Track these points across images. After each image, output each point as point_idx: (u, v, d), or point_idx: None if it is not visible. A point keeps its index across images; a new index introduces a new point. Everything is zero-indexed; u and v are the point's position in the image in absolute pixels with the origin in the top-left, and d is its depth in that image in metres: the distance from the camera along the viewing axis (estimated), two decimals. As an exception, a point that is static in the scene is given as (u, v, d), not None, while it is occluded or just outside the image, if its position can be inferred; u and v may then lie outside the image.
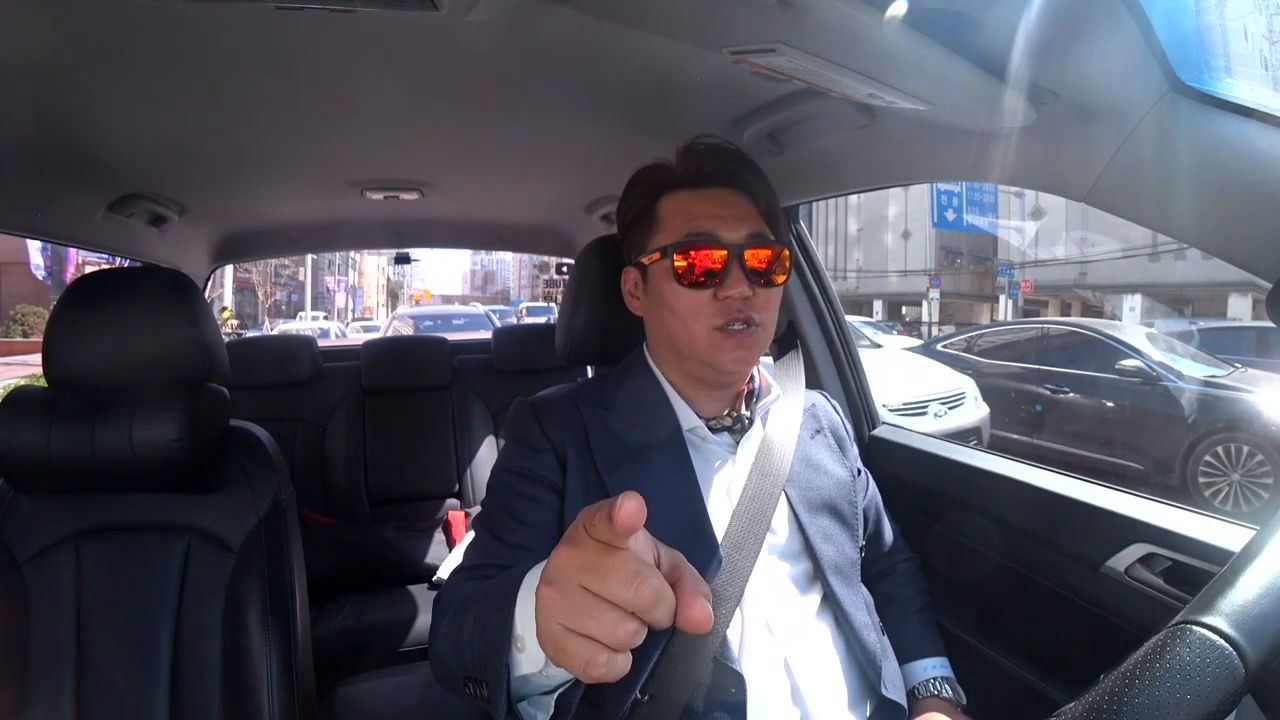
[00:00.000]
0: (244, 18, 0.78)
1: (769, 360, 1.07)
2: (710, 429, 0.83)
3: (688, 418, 0.83)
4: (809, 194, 1.30)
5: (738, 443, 0.84)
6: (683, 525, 0.77)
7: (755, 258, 0.79)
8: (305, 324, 21.05)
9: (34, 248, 12.19)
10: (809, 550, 0.81)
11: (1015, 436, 5.87)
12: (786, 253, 0.82)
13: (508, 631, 0.51)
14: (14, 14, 0.74)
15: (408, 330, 8.67)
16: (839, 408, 0.98)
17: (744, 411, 0.85)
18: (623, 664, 0.40)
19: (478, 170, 1.60)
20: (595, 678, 0.40)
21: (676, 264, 0.79)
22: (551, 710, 0.57)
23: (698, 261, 0.78)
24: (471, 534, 0.83)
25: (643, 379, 0.86)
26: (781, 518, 0.81)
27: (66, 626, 0.95)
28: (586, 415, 0.83)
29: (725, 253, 0.78)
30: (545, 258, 7.01)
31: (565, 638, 0.41)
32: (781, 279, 0.82)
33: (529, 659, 0.51)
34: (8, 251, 13.85)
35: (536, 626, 0.44)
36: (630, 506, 0.37)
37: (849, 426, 0.98)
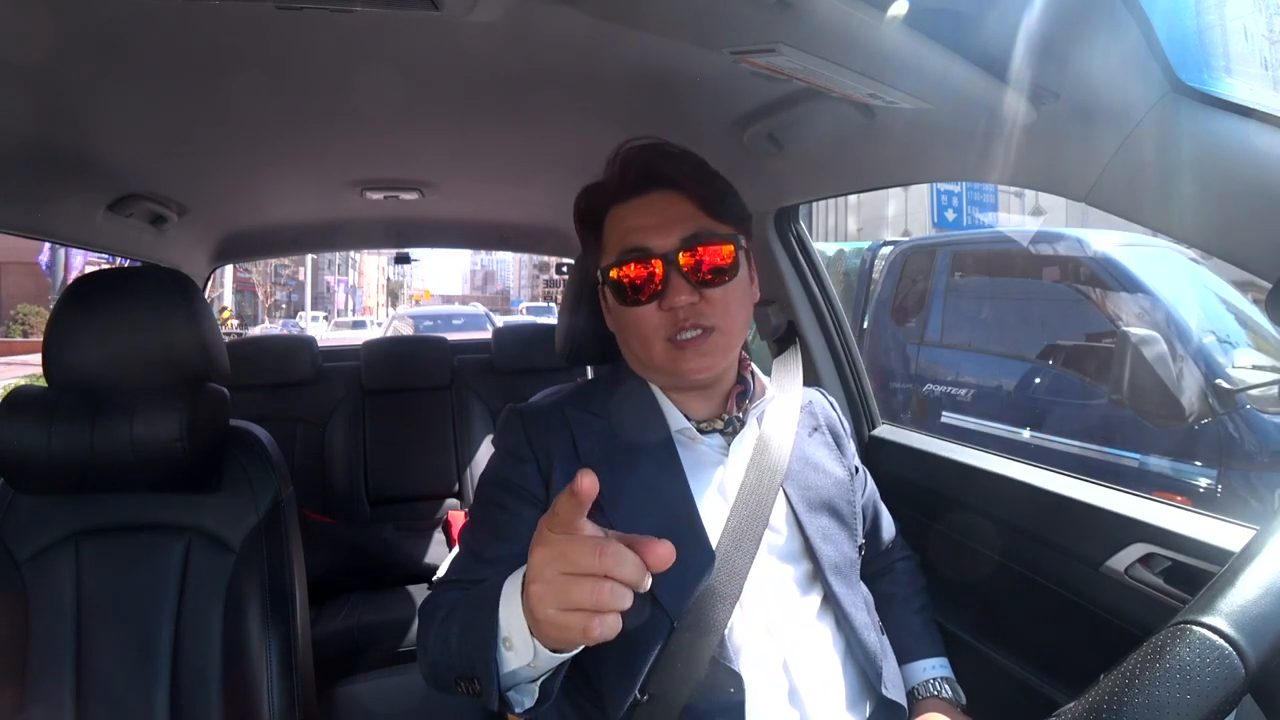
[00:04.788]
0: (244, 18, 0.78)
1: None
2: (701, 431, 0.82)
3: (676, 419, 0.82)
4: (809, 194, 1.30)
5: (729, 444, 0.83)
6: (674, 525, 0.76)
7: (694, 260, 0.77)
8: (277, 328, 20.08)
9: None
10: (809, 550, 0.81)
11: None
12: (730, 247, 0.78)
13: (493, 634, 0.58)
14: (14, 14, 0.74)
15: (408, 330, 8.66)
16: (836, 404, 0.98)
17: (736, 413, 0.84)
18: (614, 623, 0.48)
19: (478, 170, 1.60)
20: (596, 638, 0.48)
21: (617, 285, 0.78)
22: (536, 695, 0.62)
23: (633, 278, 0.77)
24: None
25: (631, 383, 0.85)
26: (780, 517, 0.81)
27: (66, 626, 0.95)
28: (574, 421, 0.82)
29: (660, 262, 0.76)
30: (545, 258, 7.00)
31: (560, 618, 0.49)
32: (731, 274, 0.78)
33: (518, 655, 0.57)
34: (8, 251, 13.84)
35: (534, 620, 0.52)
36: (586, 481, 0.46)
37: (846, 423, 0.98)
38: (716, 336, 0.78)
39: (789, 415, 0.87)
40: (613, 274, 0.78)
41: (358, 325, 18.02)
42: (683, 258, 0.76)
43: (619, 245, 0.79)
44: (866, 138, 1.00)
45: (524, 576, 0.56)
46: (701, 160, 0.83)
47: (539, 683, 0.61)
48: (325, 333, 15.92)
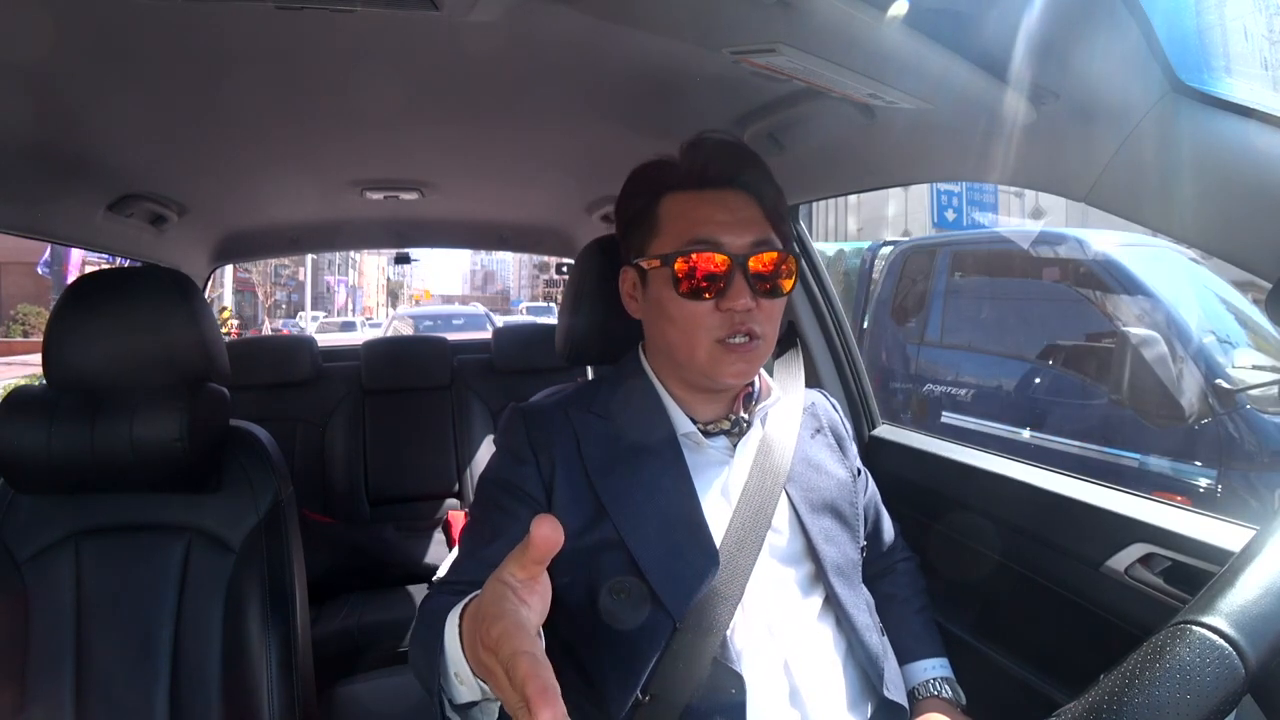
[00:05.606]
0: (244, 18, 0.78)
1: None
2: (707, 433, 0.82)
3: (682, 422, 0.82)
4: (810, 194, 1.30)
5: (735, 445, 0.83)
6: (678, 527, 0.76)
7: (760, 266, 0.76)
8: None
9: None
10: (811, 552, 0.81)
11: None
12: (792, 260, 0.79)
13: (440, 668, 0.58)
14: (14, 14, 0.74)
15: (408, 330, 8.66)
16: (838, 406, 0.98)
17: (742, 414, 0.84)
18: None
19: (478, 170, 1.60)
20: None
21: (677, 273, 0.76)
22: (496, 715, 0.60)
23: (699, 270, 0.75)
24: None
25: (637, 383, 0.85)
26: (783, 518, 0.81)
27: (66, 627, 0.95)
28: (577, 422, 0.81)
29: (728, 261, 0.75)
30: (545, 258, 7.00)
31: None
32: (788, 287, 0.79)
33: (469, 690, 0.56)
34: (7, 251, 13.83)
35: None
36: (545, 528, 0.42)
37: (848, 425, 0.98)
38: (761, 346, 0.78)
39: (792, 417, 0.87)
40: (678, 262, 0.75)
41: (346, 327, 16.31)
42: (752, 261, 0.76)
43: (685, 234, 0.77)
44: (866, 138, 1.00)
45: (462, 613, 0.55)
46: (769, 170, 0.83)
47: (499, 703, 0.60)
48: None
